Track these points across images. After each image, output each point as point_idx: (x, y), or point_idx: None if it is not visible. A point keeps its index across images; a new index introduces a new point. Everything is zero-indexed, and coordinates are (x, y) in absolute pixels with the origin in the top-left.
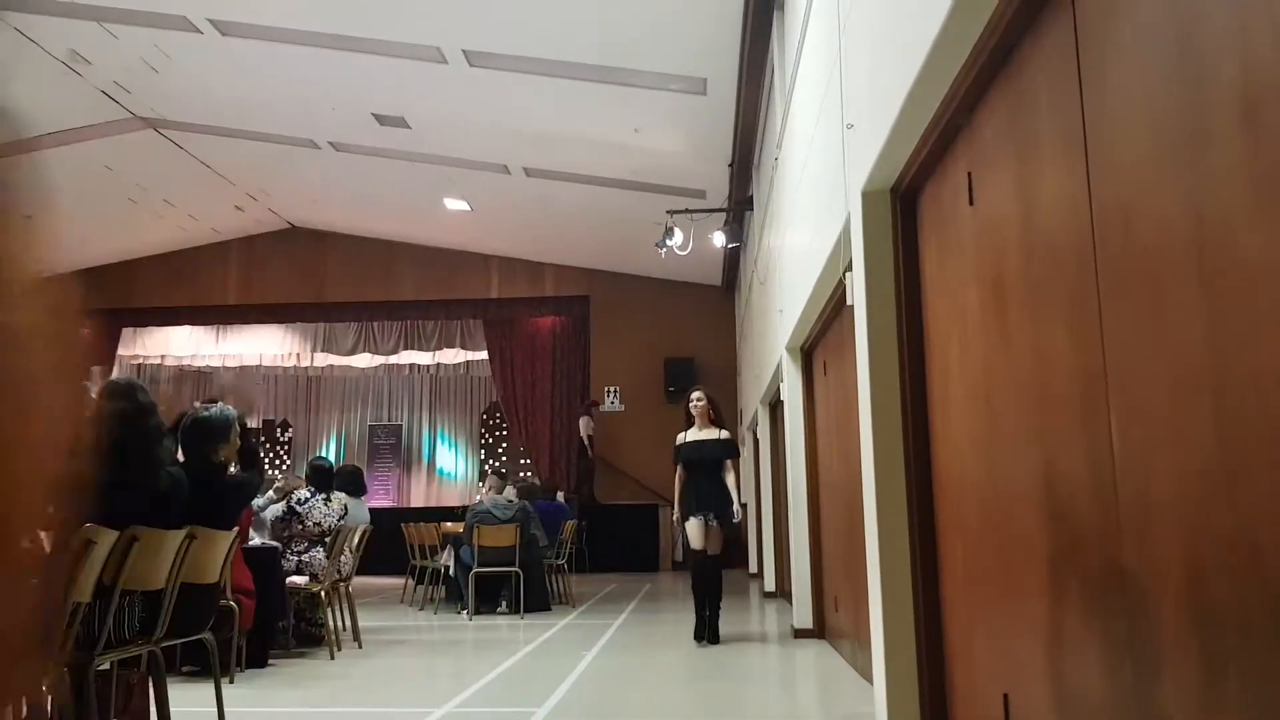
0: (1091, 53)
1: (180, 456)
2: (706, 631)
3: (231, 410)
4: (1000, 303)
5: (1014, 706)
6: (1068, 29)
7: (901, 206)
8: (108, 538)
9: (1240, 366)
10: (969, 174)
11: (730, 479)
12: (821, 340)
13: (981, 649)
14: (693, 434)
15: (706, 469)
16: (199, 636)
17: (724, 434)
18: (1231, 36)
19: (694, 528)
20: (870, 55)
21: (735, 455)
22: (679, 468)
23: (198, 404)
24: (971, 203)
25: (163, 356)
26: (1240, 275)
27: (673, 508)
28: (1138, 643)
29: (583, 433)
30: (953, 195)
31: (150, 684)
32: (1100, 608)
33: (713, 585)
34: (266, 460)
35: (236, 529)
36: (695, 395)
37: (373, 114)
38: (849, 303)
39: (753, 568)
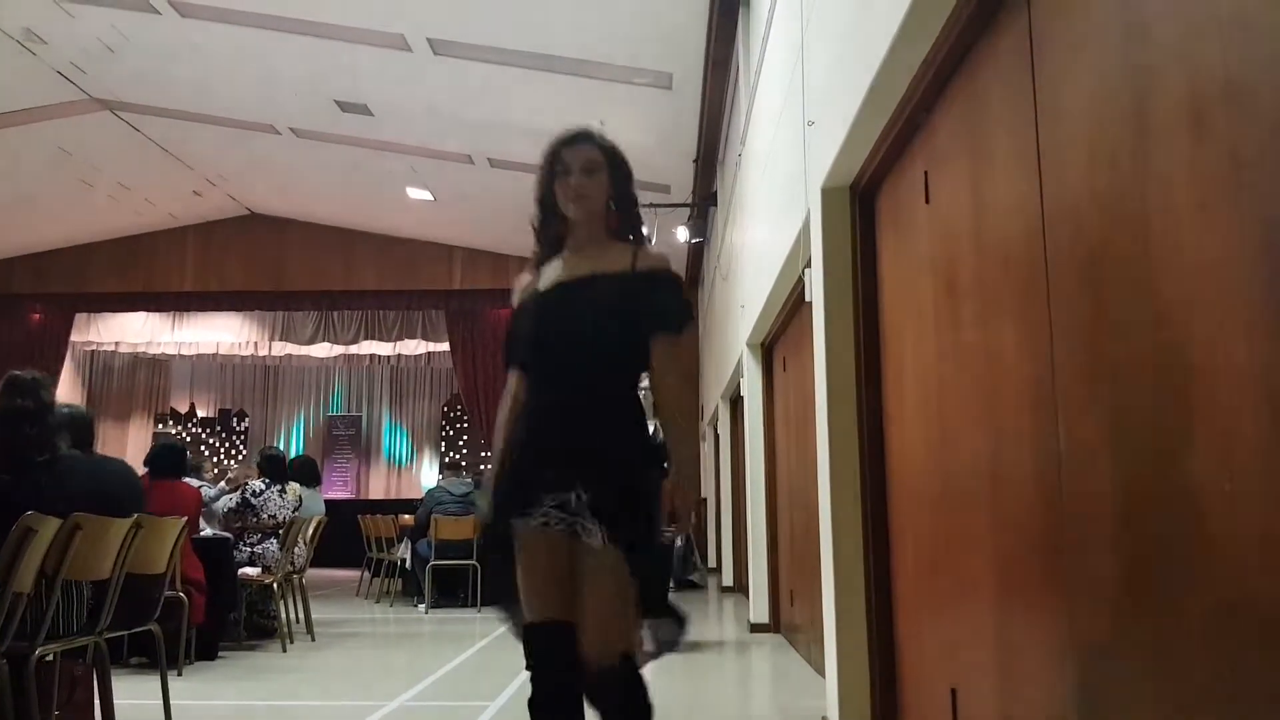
0: (1045, 56)
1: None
2: None
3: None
4: (954, 301)
5: (961, 702)
6: (1022, 32)
7: (860, 204)
8: (50, 526)
9: (1182, 364)
10: (925, 172)
11: (671, 398)
12: (781, 336)
13: (930, 644)
14: (555, 269)
15: (582, 357)
16: (145, 628)
17: (643, 258)
18: (1178, 43)
19: (527, 556)
20: (831, 53)
21: (676, 324)
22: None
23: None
24: (928, 201)
25: (117, 343)
26: (1183, 277)
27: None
28: (1080, 640)
29: None
30: (910, 193)
31: (94, 676)
32: (1044, 604)
33: None
34: (221, 450)
35: (186, 519)
36: (571, 150)
37: (335, 100)
38: (808, 299)
39: (712, 562)
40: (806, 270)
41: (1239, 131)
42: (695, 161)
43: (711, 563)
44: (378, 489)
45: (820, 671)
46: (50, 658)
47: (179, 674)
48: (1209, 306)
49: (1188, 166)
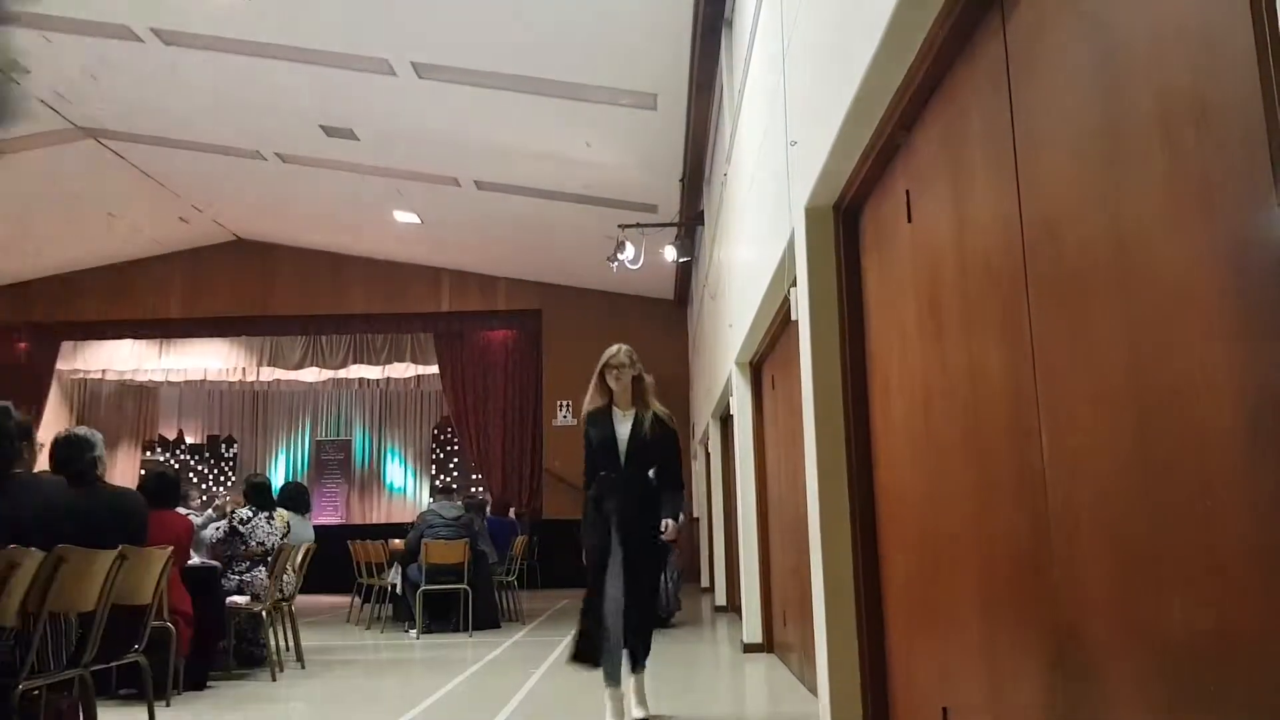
0: (1020, 77)
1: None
2: None
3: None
4: (937, 318)
5: None
6: (998, 53)
7: (844, 223)
8: (33, 560)
9: (1160, 379)
10: (907, 192)
11: None
12: (770, 355)
13: (922, 663)
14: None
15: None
16: (131, 659)
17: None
18: (1150, 61)
19: None
20: (812, 73)
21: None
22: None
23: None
24: (910, 220)
25: (103, 371)
26: (1159, 291)
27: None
28: (1068, 657)
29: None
30: (892, 212)
31: (80, 709)
32: (1032, 621)
33: None
34: (210, 477)
35: (171, 550)
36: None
37: (320, 125)
38: (794, 318)
39: (704, 582)
40: (792, 289)
41: (1208, 150)
42: (681, 181)
43: (704, 582)
44: (367, 514)
45: (814, 691)
46: (36, 692)
47: (167, 705)
48: (1185, 322)
49: (1160, 184)
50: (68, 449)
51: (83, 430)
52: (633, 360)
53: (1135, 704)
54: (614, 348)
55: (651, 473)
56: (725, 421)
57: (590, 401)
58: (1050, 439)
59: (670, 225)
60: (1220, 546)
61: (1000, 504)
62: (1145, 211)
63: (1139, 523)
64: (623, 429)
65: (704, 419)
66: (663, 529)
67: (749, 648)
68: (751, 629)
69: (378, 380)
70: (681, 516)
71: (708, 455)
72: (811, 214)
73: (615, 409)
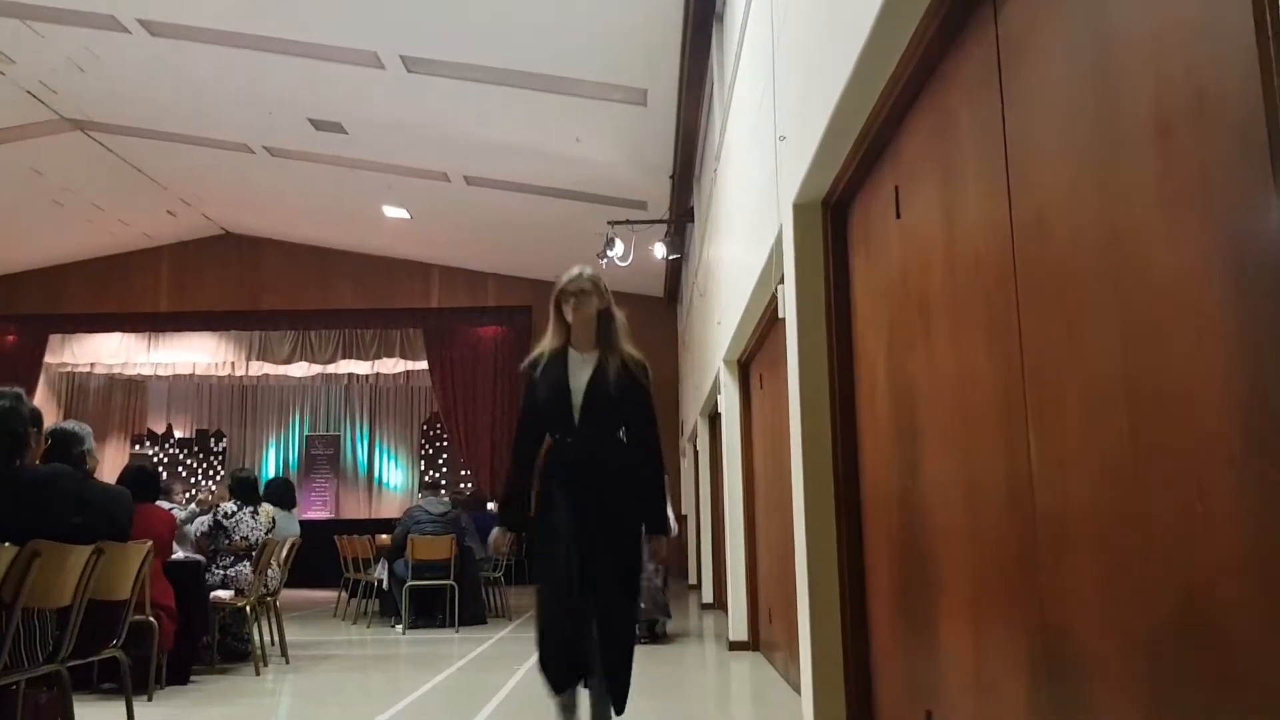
0: (1012, 69)
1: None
2: None
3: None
4: (925, 316)
5: None
6: (990, 46)
7: (832, 219)
8: (7, 554)
9: (1152, 379)
10: (896, 188)
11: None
12: (758, 353)
13: (906, 665)
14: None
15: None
16: (110, 654)
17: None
18: (1146, 58)
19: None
20: (801, 68)
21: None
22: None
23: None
24: (898, 216)
25: (92, 365)
26: (1151, 290)
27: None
28: (1054, 660)
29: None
30: (881, 209)
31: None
32: (1019, 624)
33: None
34: (199, 471)
35: (150, 544)
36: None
37: (309, 119)
38: (781, 316)
39: (692, 579)
40: (780, 287)
41: (1206, 144)
42: (671, 178)
43: (691, 579)
44: (356, 509)
45: (798, 690)
46: (14, 687)
47: (149, 699)
48: (1178, 321)
49: (1156, 179)
50: (57, 443)
51: (71, 424)
52: (598, 287)
53: (1122, 708)
54: (574, 269)
55: (623, 433)
56: (713, 420)
57: (545, 343)
58: (1039, 439)
59: (660, 222)
60: (1213, 551)
61: (988, 505)
62: (1139, 206)
63: (1128, 525)
64: (579, 376)
65: (692, 417)
66: (649, 554)
67: (734, 645)
68: (737, 627)
69: (367, 375)
70: (672, 520)
71: (696, 453)
72: (800, 210)
73: (572, 351)
